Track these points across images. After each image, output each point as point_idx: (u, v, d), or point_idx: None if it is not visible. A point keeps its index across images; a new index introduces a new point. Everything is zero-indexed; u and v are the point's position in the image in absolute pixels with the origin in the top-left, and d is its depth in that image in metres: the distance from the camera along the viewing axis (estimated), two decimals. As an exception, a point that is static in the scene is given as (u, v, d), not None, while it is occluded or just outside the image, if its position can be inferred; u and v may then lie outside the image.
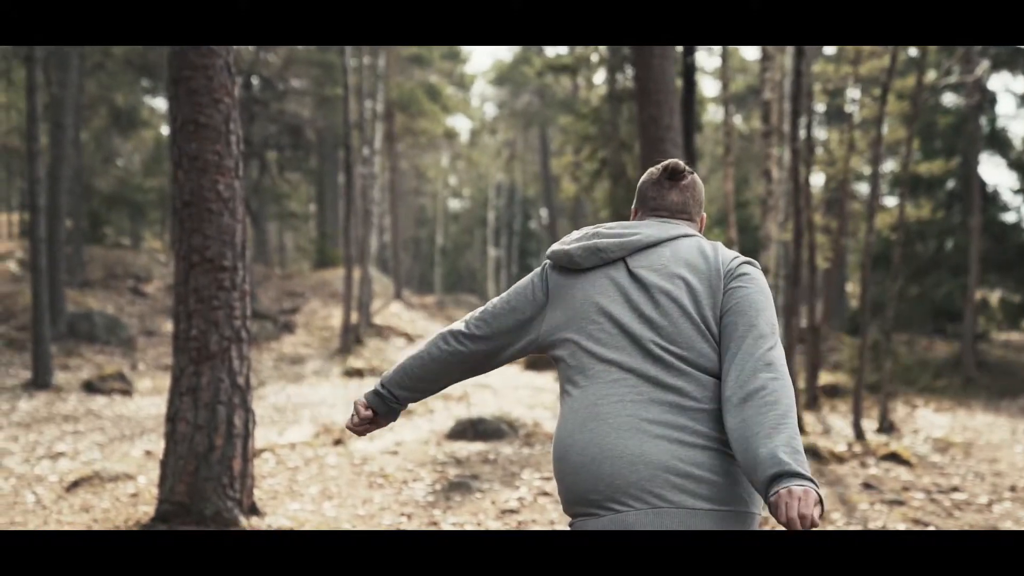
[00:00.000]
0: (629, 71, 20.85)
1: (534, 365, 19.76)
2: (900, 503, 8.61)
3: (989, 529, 7.63)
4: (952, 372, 22.24)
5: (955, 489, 9.54)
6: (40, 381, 14.50)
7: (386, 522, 7.20)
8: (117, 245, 30.28)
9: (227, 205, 6.53)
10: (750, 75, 31.81)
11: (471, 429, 11.04)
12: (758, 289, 2.57)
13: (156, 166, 33.18)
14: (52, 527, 6.63)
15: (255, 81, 25.52)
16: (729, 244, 13.00)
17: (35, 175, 14.62)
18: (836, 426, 13.95)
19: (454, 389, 16.01)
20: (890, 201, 25.67)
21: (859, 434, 12.56)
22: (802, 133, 15.14)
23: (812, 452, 10.54)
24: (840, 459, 10.57)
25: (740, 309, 2.53)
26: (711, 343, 2.53)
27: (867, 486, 9.25)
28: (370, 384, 17.08)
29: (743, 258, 2.66)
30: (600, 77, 29.09)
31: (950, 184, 25.93)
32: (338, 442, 10.66)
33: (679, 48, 13.77)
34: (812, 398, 15.85)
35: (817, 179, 22.30)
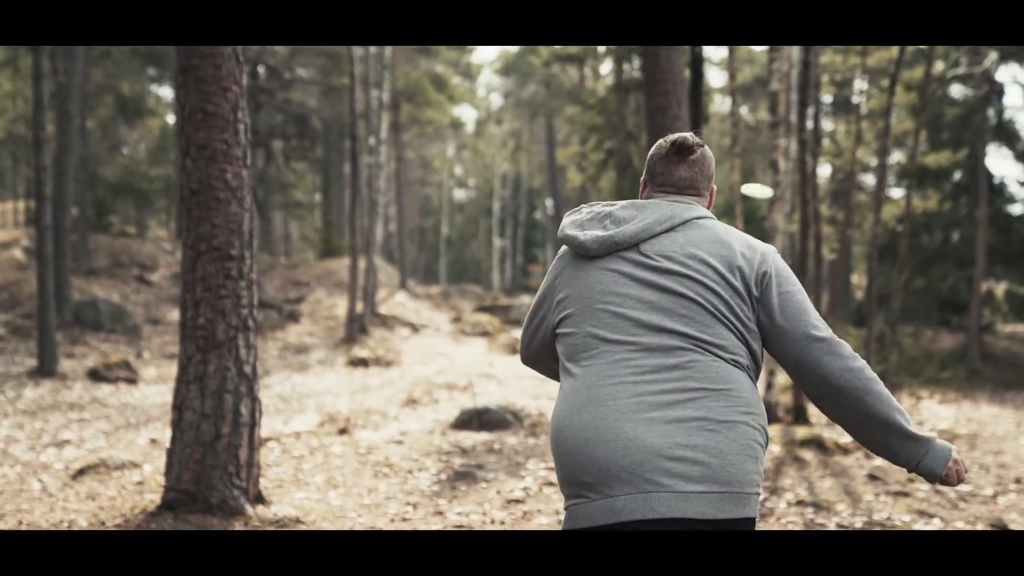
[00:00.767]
0: (636, 61, 20.83)
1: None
2: (905, 494, 8.60)
3: (989, 529, 7.62)
4: (957, 364, 22.23)
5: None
6: (45, 369, 14.53)
7: (392, 511, 7.21)
8: (122, 233, 30.31)
9: (235, 194, 6.52)
10: (757, 66, 31.75)
11: (476, 419, 11.05)
12: (789, 285, 2.66)
13: (162, 155, 33.20)
14: (58, 515, 6.64)
15: (261, 70, 25.50)
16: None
17: (41, 163, 14.63)
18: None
19: (459, 379, 16.03)
20: (896, 192, 25.63)
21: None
22: (809, 124, 15.10)
23: (817, 443, 10.54)
24: (845, 450, 10.57)
25: (787, 306, 2.64)
26: (730, 326, 2.56)
27: (872, 477, 9.25)
28: (375, 373, 17.11)
29: (761, 249, 2.66)
30: (607, 67, 29.07)
31: (957, 175, 25.89)
32: (343, 431, 10.67)
33: (686, 38, 13.69)
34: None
35: (823, 170, 22.27)
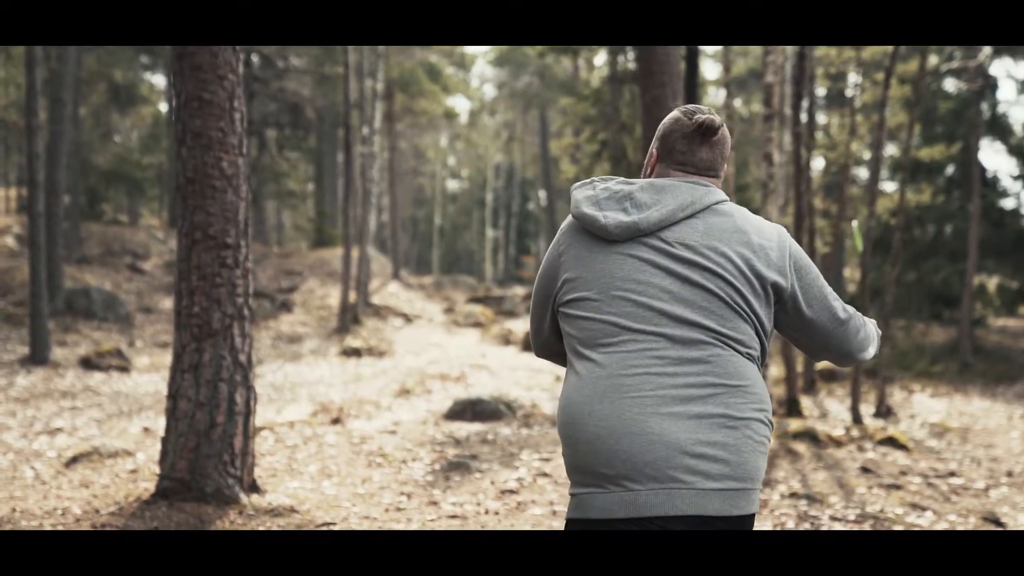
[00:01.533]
0: (630, 53, 20.80)
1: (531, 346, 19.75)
2: (898, 487, 8.63)
3: (986, 529, 7.64)
4: (949, 357, 22.28)
5: (952, 474, 9.56)
6: (37, 357, 14.50)
7: (386, 500, 7.21)
8: (115, 222, 30.23)
9: (231, 182, 6.51)
10: (752, 58, 31.71)
11: (469, 410, 11.06)
12: (809, 273, 2.70)
13: (155, 143, 33.09)
14: (52, 502, 6.63)
15: (255, 59, 25.43)
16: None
17: (33, 150, 14.58)
18: (834, 410, 13.98)
19: (452, 369, 16.03)
20: (889, 186, 25.66)
21: (856, 418, 12.58)
22: (804, 117, 15.11)
23: (810, 436, 10.56)
24: (838, 443, 10.59)
25: (813, 298, 2.71)
26: (748, 320, 2.55)
27: (865, 470, 9.28)
28: (368, 363, 17.09)
29: (778, 237, 2.65)
30: (601, 59, 29.04)
31: (950, 169, 25.93)
32: (336, 421, 10.67)
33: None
34: (810, 382, 15.88)
35: (817, 163, 22.28)
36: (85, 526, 5.98)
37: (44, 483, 7.34)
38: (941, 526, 7.33)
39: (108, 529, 5.95)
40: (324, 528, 6.30)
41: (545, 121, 42.59)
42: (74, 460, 8.07)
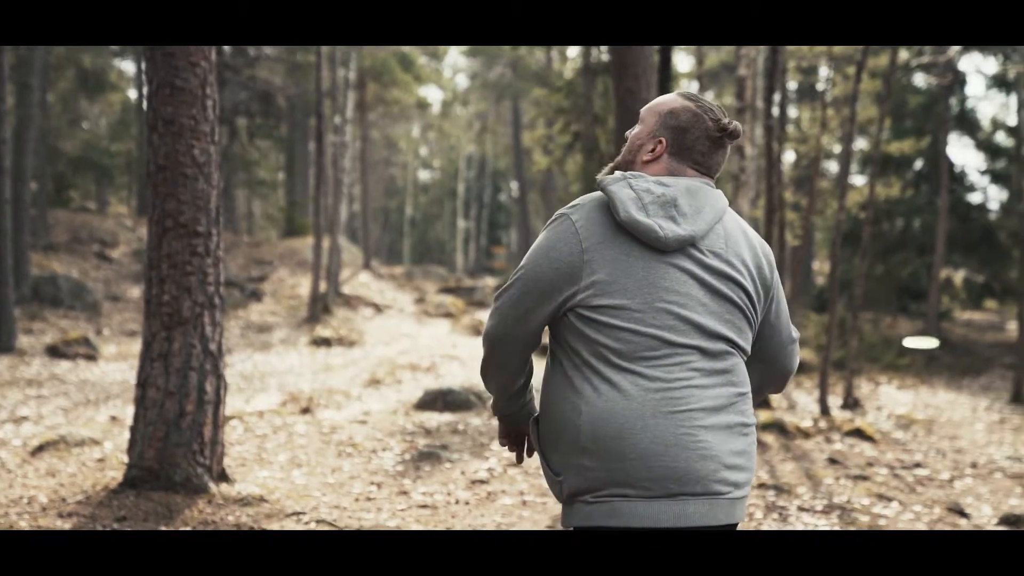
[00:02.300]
0: (604, 45, 20.80)
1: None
2: (864, 478, 8.70)
3: (985, 529, 7.72)
4: (916, 350, 22.45)
5: (918, 465, 9.65)
6: (3, 344, 14.37)
7: (356, 490, 7.21)
8: (83, 209, 29.95)
9: (202, 170, 6.47)
10: (724, 52, 31.81)
11: (440, 400, 11.05)
12: (779, 284, 2.75)
13: (123, 130, 32.83)
14: (18, 491, 6.58)
15: (226, 46, 25.27)
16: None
17: (1, 136, 14.43)
18: (802, 402, 14.07)
19: (422, 359, 16.02)
20: (859, 180, 25.81)
21: (824, 410, 12.67)
22: (775, 110, 15.16)
23: (779, 427, 10.63)
24: (806, 434, 10.66)
25: (782, 309, 2.76)
26: (752, 326, 2.62)
27: (832, 461, 9.35)
28: (338, 353, 17.05)
29: (766, 246, 2.70)
30: (574, 50, 29.04)
31: (919, 164, 26.11)
32: (306, 411, 10.64)
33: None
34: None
35: (788, 157, 22.37)
36: (52, 515, 5.94)
37: (9, 472, 7.29)
38: (907, 517, 7.40)
39: (78, 517, 5.91)
40: (295, 516, 6.29)
41: (518, 112, 42.55)
42: (40, 449, 8.01)
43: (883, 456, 10.02)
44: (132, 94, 35.96)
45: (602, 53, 20.35)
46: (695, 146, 2.63)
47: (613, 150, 12.46)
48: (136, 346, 14.89)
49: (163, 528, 5.82)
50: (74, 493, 6.47)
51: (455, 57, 50.55)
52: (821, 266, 33.37)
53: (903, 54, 18.19)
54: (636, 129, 2.72)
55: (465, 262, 49.71)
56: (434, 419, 10.31)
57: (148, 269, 6.60)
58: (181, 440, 6.47)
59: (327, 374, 14.39)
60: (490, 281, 35.02)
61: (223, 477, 6.83)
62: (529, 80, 36.54)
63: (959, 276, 27.55)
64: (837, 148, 23.34)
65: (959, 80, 25.67)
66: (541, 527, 6.48)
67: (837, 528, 6.90)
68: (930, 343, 7.13)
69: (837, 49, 16.43)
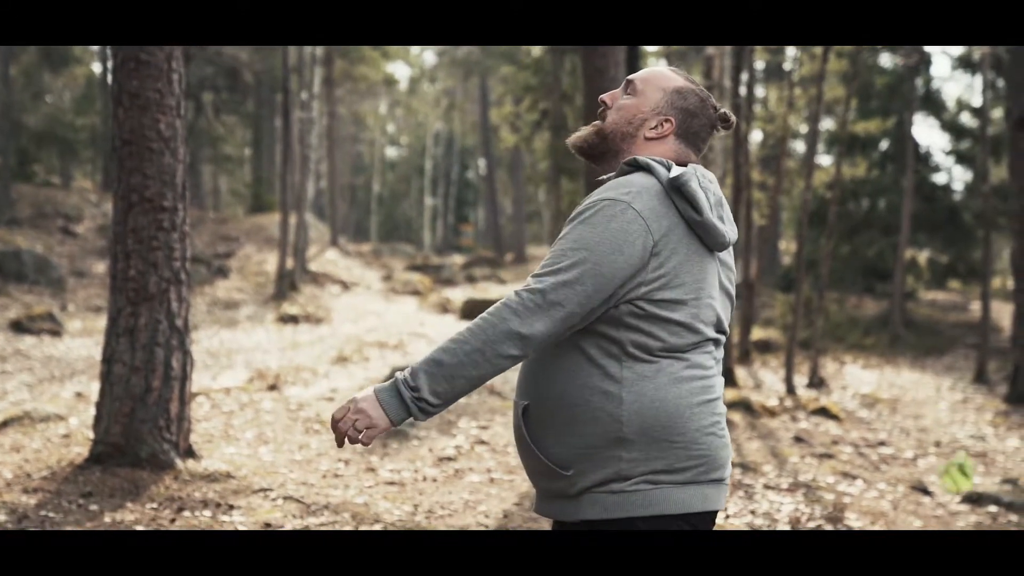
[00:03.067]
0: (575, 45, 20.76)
1: (470, 315, 19.77)
2: (829, 456, 8.78)
3: (981, 530, 7.82)
4: (880, 330, 22.67)
5: (882, 443, 9.76)
6: (-33, 320, 14.22)
7: (323, 467, 7.20)
8: (47, 183, 29.62)
9: (168, 145, 6.41)
10: (691, 30, 31.87)
11: (408, 377, 11.02)
12: None
13: (88, 104, 32.45)
14: (-18, 467, 6.53)
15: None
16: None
17: (-37, 109, 14.25)
18: (768, 381, 14.18)
19: (389, 337, 15.99)
20: (826, 159, 25.95)
21: (790, 389, 12.77)
22: (743, 89, 15.20)
23: (745, 406, 10.71)
24: (772, 413, 10.75)
25: None
26: None
27: (798, 439, 9.43)
28: (305, 330, 16.99)
29: None
30: (542, 27, 28.92)
31: (884, 144, 26.29)
32: (272, 387, 10.61)
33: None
34: (744, 353, 16.06)
35: (755, 136, 22.45)
36: (16, 491, 5.89)
37: (-26, 448, 7.22)
38: (871, 495, 7.48)
39: (43, 492, 5.88)
40: (262, 492, 6.28)
41: (485, 89, 42.42)
42: (4, 425, 7.94)
43: (848, 435, 10.12)
44: (96, 68, 35.56)
45: (571, 31, 20.30)
46: (700, 132, 2.59)
47: (580, 127, 12.45)
48: (101, 322, 14.79)
49: (129, 505, 5.79)
50: (39, 469, 6.42)
51: (423, 34, 50.24)
52: (788, 246, 33.56)
53: (870, 35, 18.24)
54: (629, 99, 2.59)
55: (433, 240, 49.63)
56: (402, 396, 10.29)
57: (113, 244, 6.55)
58: (147, 416, 6.43)
59: (294, 351, 14.34)
60: (457, 259, 35.00)
61: (189, 453, 6.80)
62: (497, 57, 36.43)
63: (923, 256, 27.80)
64: (804, 128, 23.46)
65: (925, 61, 25.84)
66: (509, 504, 6.50)
67: (802, 505, 6.96)
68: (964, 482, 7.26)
69: (805, 29, 16.47)
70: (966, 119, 27.23)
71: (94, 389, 9.36)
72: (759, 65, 28.01)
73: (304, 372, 11.97)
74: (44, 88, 32.93)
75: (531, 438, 2.45)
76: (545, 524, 5.69)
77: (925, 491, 7.69)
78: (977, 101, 26.57)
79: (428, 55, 51.64)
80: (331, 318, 18.91)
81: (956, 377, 16.87)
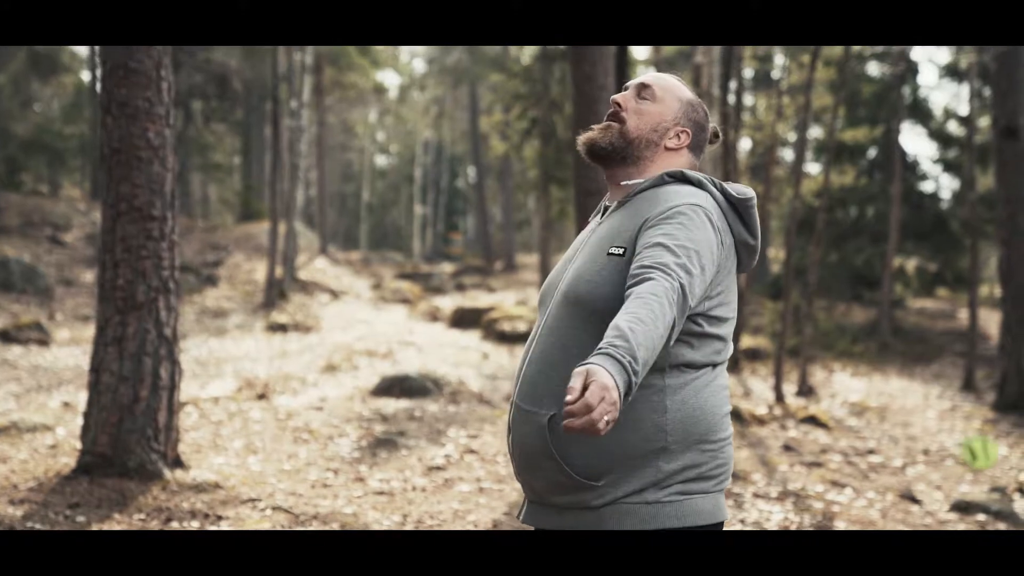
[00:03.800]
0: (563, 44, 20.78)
1: (459, 323, 19.77)
2: (818, 465, 8.79)
3: (982, 530, 7.82)
4: (869, 338, 22.70)
5: (871, 452, 9.77)
6: (-46, 330, 14.16)
7: (312, 477, 7.18)
8: (35, 192, 29.55)
9: (157, 153, 6.40)
10: (680, 39, 31.95)
11: (397, 386, 11.03)
12: None
13: (77, 112, 32.40)
14: (-31, 478, 6.50)
15: (180, 28, 24.95)
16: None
17: (-49, 118, 14.20)
18: (757, 389, 14.18)
19: (379, 345, 15.97)
20: (814, 167, 26.02)
21: (779, 397, 12.77)
22: (731, 97, 15.24)
23: (734, 414, 10.70)
24: (761, 421, 10.75)
25: None
26: None
27: (787, 448, 9.43)
28: (294, 339, 16.95)
29: None
30: (531, 36, 28.95)
31: (872, 152, 26.37)
32: (262, 397, 10.58)
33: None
34: (734, 361, 16.07)
35: (744, 144, 22.50)
36: (3, 501, 5.87)
37: (-39, 458, 7.19)
38: (860, 503, 7.49)
39: (30, 503, 5.85)
40: (250, 502, 6.26)
41: (475, 97, 42.44)
42: (-8, 435, 7.90)
43: (837, 443, 10.13)
44: (85, 76, 35.50)
45: (560, 39, 20.32)
46: (703, 146, 2.62)
47: (570, 136, 12.45)
48: (89, 331, 14.73)
49: (117, 515, 5.77)
50: (26, 479, 6.39)
51: (412, 42, 50.30)
52: (776, 253, 33.59)
53: (858, 43, 18.33)
54: (649, 104, 2.57)
55: (422, 248, 49.63)
56: (391, 405, 10.29)
57: (102, 253, 6.53)
58: (135, 426, 6.41)
59: (283, 360, 14.31)
60: (447, 267, 34.98)
61: (178, 463, 6.78)
62: (486, 65, 36.46)
63: (911, 264, 27.87)
64: (792, 136, 23.51)
65: (912, 69, 25.95)
66: (498, 514, 6.49)
67: (791, 514, 6.97)
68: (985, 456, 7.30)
69: (793, 38, 16.52)
70: (953, 128, 27.32)
71: (81, 399, 9.32)
72: (747, 73, 28.11)
73: (293, 381, 11.95)
74: (32, 96, 32.89)
75: (558, 451, 2.34)
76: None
77: (914, 499, 7.70)
78: (964, 110, 26.67)
79: (418, 63, 51.68)
80: (320, 327, 18.88)
81: (944, 385, 16.90)
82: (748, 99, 27.85)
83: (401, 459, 7.92)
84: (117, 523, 5.63)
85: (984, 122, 23.83)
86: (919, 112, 26.84)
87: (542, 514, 2.46)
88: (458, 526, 6.18)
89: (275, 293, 21.28)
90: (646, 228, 2.35)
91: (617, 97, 2.60)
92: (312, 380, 12.22)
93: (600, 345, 1.99)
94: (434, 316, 21.45)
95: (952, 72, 25.67)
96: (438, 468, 7.68)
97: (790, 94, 17.51)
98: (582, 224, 7.92)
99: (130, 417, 6.40)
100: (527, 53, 26.53)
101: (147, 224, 6.41)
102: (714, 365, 2.41)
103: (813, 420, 11.08)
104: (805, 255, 22.03)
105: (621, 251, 2.36)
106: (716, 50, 18.51)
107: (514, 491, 6.96)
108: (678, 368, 2.35)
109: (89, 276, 20.59)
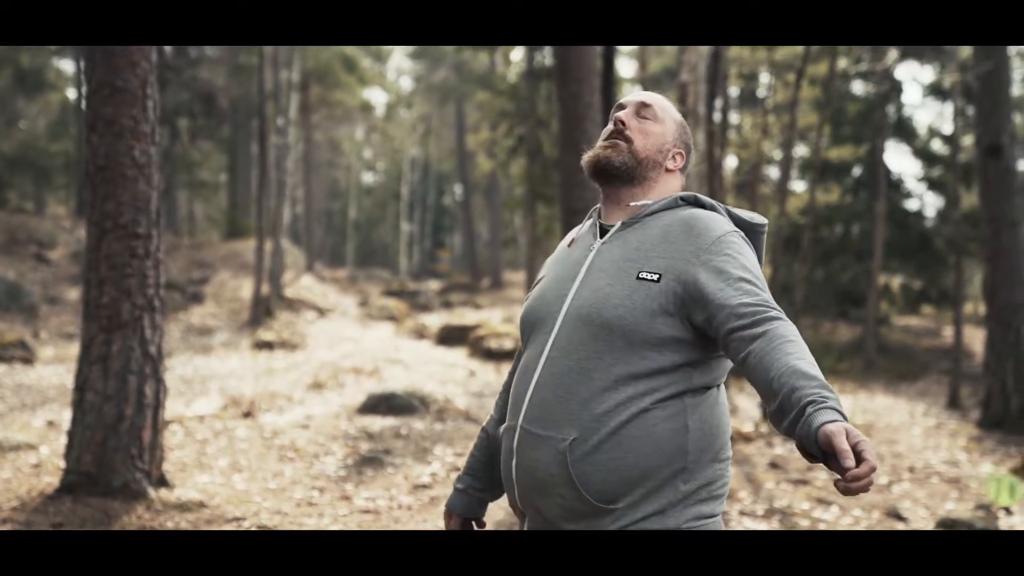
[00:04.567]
0: (548, 49, 20.86)
1: (446, 340, 19.75)
2: (805, 482, 8.80)
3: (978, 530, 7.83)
4: (854, 355, 22.76)
5: (857, 469, 9.77)
6: (-62, 347, 14.09)
7: (297, 495, 7.16)
8: (20, 210, 29.48)
9: (142, 171, 6.40)
10: (667, 56, 32.06)
11: (383, 404, 11.01)
12: None
13: (62, 129, 32.35)
14: (-48, 497, 6.46)
15: (167, 46, 24.99)
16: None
17: (-64, 135, 14.17)
18: (743, 406, 14.19)
19: (365, 363, 15.94)
20: (799, 186, 26.13)
21: (765, 415, 12.78)
22: (717, 116, 15.30)
23: (720, 431, 10.72)
24: (747, 439, 10.77)
25: None
26: None
27: (773, 465, 9.44)
28: (280, 357, 16.91)
29: None
30: (518, 54, 29.09)
31: (857, 170, 26.50)
32: (247, 415, 10.55)
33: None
34: (720, 378, 16.06)
35: (729, 162, 22.58)
36: (-13, 521, 5.83)
37: (-57, 477, 7.15)
38: (846, 521, 7.49)
39: (13, 523, 5.81)
40: (235, 521, 6.23)
41: (462, 115, 42.51)
42: (-25, 453, 7.86)
43: (822, 459, 10.13)
44: (71, 94, 35.43)
45: (545, 57, 20.41)
46: (687, 169, 2.62)
47: (557, 153, 12.47)
48: (74, 349, 14.67)
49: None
50: (8, 499, 6.36)
51: (399, 59, 50.41)
52: (762, 271, 33.70)
53: (842, 62, 18.44)
54: (651, 124, 2.57)
55: (409, 265, 49.56)
56: (377, 423, 10.27)
57: (87, 271, 6.52)
58: (119, 445, 6.38)
59: (269, 378, 14.28)
60: (433, 285, 34.97)
61: (162, 482, 6.75)
62: (473, 83, 36.54)
63: (896, 282, 27.97)
64: (778, 154, 23.60)
65: (896, 88, 26.10)
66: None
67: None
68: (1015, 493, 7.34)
69: (778, 56, 16.62)
70: (937, 146, 27.48)
71: (66, 417, 9.28)
72: (733, 92, 28.23)
73: (279, 399, 11.91)
74: (18, 113, 32.82)
75: (577, 476, 2.28)
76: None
77: (899, 517, 7.71)
78: (948, 128, 26.84)
79: (404, 81, 51.79)
80: (306, 344, 18.84)
81: (929, 402, 16.94)
82: (734, 117, 27.96)
83: (387, 477, 7.90)
84: (101, 542, 5.60)
85: (968, 141, 23.98)
86: (903, 131, 27.00)
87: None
88: (444, 545, 6.15)
89: (261, 311, 21.24)
90: (702, 258, 2.33)
91: (621, 115, 2.57)
92: (298, 398, 12.18)
93: (812, 396, 1.98)
94: (421, 333, 21.43)
95: (936, 91, 25.83)
96: (424, 486, 7.66)
97: (776, 113, 17.60)
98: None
99: (114, 436, 6.37)
100: (513, 71, 26.58)
101: (132, 242, 6.40)
102: (719, 384, 2.43)
103: (799, 438, 11.08)
104: (791, 273, 22.10)
105: (656, 277, 2.31)
106: (702, 68, 18.59)
107: (500, 511, 6.94)
108: (697, 390, 2.34)
109: (74, 294, 20.52)
